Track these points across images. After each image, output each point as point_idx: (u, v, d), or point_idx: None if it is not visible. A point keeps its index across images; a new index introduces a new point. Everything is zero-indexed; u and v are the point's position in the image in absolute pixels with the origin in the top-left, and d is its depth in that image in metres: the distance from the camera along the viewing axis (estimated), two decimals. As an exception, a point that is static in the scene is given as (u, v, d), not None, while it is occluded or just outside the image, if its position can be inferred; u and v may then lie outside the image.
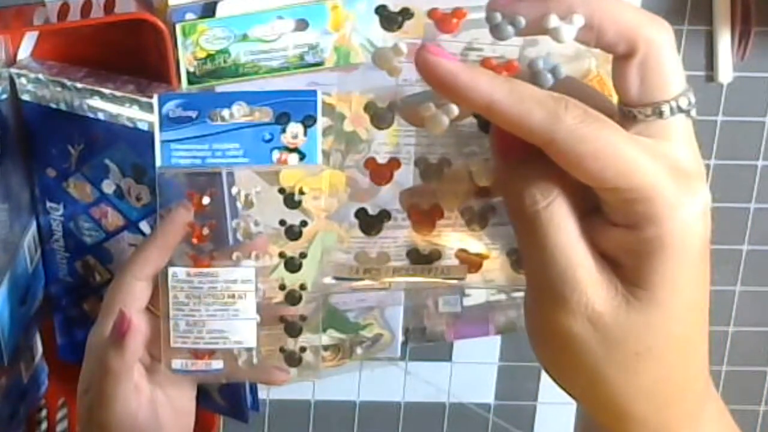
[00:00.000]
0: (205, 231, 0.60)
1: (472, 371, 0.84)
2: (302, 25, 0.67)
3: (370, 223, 0.42)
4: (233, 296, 0.60)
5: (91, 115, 0.67)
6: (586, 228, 0.36)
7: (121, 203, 0.70)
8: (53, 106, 0.67)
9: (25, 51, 0.69)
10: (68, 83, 0.66)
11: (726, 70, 0.76)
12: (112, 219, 0.71)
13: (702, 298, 0.37)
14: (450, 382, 0.84)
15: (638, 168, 0.35)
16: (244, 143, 0.57)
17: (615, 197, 0.35)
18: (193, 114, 0.57)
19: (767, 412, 0.87)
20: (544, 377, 0.83)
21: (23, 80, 0.67)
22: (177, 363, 0.61)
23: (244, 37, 0.66)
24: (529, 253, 0.37)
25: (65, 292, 0.75)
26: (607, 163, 0.34)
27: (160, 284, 0.60)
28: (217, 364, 0.61)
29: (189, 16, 0.65)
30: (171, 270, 0.60)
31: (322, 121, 0.58)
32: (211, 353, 0.61)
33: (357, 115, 0.67)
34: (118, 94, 0.66)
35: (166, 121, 0.57)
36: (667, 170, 0.35)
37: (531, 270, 0.38)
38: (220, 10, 0.65)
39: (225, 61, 0.67)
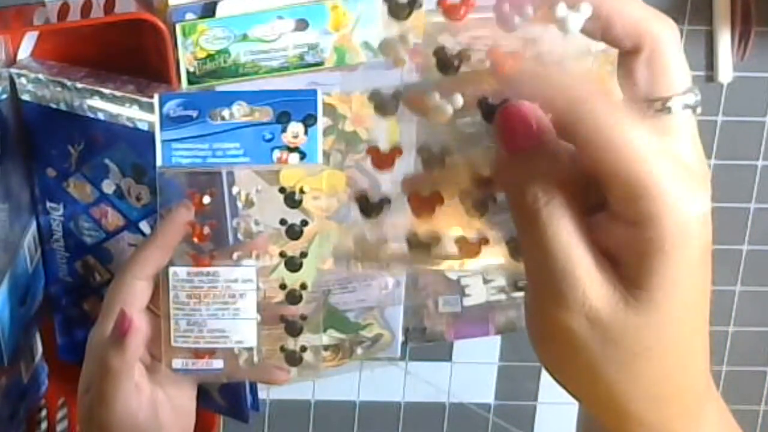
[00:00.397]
0: (206, 230, 0.60)
1: (472, 371, 0.84)
2: (302, 25, 0.67)
3: (370, 206, 0.42)
4: (234, 295, 0.60)
5: (91, 115, 0.67)
6: (589, 225, 0.36)
7: (121, 203, 0.70)
8: (53, 106, 0.67)
9: (25, 51, 0.69)
10: (68, 83, 0.66)
11: (726, 70, 0.76)
12: (112, 219, 0.71)
13: (702, 301, 0.37)
14: (450, 382, 0.84)
15: (646, 164, 0.34)
16: (245, 143, 0.57)
17: (620, 192, 0.35)
18: (193, 113, 0.57)
19: (767, 412, 0.87)
20: (544, 377, 0.83)
21: (23, 80, 0.67)
22: (178, 362, 0.61)
23: (244, 37, 0.66)
24: (529, 249, 0.37)
25: (65, 292, 0.75)
26: (620, 156, 0.34)
27: (161, 284, 0.60)
28: (218, 363, 0.61)
29: (189, 16, 0.65)
30: (172, 269, 0.60)
31: (322, 121, 0.58)
32: (212, 352, 0.61)
33: (357, 115, 0.68)
34: (118, 94, 0.66)
35: (167, 121, 0.57)
36: (671, 169, 0.35)
37: (530, 266, 0.38)
38: (220, 10, 0.65)
39: (225, 61, 0.67)
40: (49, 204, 0.71)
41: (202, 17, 0.65)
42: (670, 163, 0.35)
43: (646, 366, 0.37)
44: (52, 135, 0.69)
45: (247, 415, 0.72)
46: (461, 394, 0.85)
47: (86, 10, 0.67)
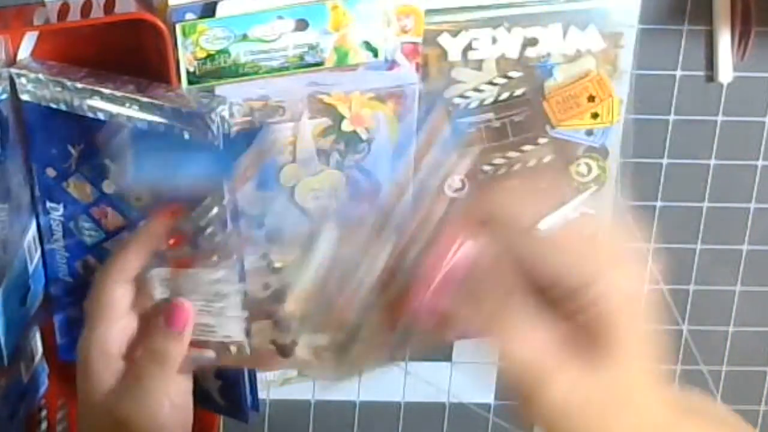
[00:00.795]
0: (186, 235, 0.61)
1: (472, 371, 0.84)
2: (302, 25, 0.67)
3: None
4: (217, 294, 0.61)
5: (91, 115, 0.67)
6: (549, 311, 0.44)
7: (121, 203, 0.70)
8: (53, 106, 0.67)
9: (25, 51, 0.69)
10: (68, 83, 0.66)
11: (726, 70, 0.76)
12: (112, 219, 0.71)
13: (650, 347, 0.44)
14: (450, 382, 0.84)
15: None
16: (215, 155, 0.58)
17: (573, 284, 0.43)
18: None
19: (767, 412, 0.87)
20: (544, 377, 0.83)
21: (23, 80, 0.67)
22: None
23: (244, 37, 0.66)
24: (500, 361, 0.46)
25: (65, 292, 0.74)
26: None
27: (144, 284, 0.61)
28: (209, 353, 0.62)
29: (189, 16, 0.65)
30: (154, 271, 0.61)
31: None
32: (203, 343, 0.61)
33: (357, 115, 0.68)
34: (118, 94, 0.66)
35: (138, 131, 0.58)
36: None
37: (505, 373, 0.46)
38: (220, 10, 0.65)
39: (225, 61, 0.67)
40: (49, 204, 0.71)
41: (202, 17, 0.65)
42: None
43: (624, 413, 0.44)
44: (52, 135, 0.69)
45: (247, 415, 0.72)
46: (461, 394, 0.85)
47: (86, 10, 0.67)
